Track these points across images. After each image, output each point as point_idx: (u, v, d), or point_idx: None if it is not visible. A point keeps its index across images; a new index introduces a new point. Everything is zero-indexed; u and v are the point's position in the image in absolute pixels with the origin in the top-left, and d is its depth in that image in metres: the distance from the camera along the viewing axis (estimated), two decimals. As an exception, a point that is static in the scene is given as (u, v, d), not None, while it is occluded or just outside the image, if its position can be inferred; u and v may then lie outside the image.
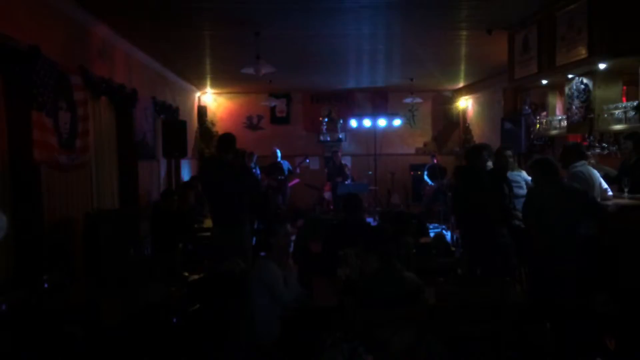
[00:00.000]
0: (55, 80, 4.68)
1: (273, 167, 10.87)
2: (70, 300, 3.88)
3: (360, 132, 12.58)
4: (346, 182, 10.71)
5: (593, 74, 5.54)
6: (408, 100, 11.35)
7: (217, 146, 5.62)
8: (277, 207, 8.14)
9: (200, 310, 4.25)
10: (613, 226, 4.69)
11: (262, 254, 4.80)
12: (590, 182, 4.78)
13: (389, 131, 12.52)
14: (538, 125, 7.37)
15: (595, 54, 5.01)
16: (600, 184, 4.88)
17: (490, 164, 5.40)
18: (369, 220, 8.53)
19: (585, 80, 5.68)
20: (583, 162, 4.92)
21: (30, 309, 3.50)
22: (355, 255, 3.97)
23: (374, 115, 12.29)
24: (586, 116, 5.68)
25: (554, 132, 6.90)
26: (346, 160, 12.01)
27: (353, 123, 12.40)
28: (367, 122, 12.24)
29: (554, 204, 4.34)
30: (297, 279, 4.39)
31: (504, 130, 8.85)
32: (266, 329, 4.01)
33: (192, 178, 9.14)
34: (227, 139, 5.44)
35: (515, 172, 5.89)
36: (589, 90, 5.64)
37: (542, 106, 7.86)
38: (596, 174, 4.89)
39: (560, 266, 4.24)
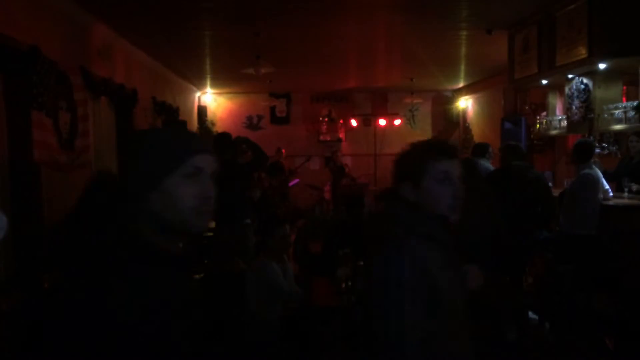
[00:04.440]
0: (55, 80, 4.68)
1: (274, 167, 10.84)
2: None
3: (360, 132, 12.60)
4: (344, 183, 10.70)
5: (593, 74, 5.53)
6: (408, 100, 11.35)
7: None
8: (276, 207, 8.10)
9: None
10: (613, 226, 4.70)
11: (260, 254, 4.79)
12: (597, 184, 4.79)
13: (389, 131, 12.53)
14: (538, 125, 7.38)
15: (595, 54, 5.01)
16: (603, 184, 4.90)
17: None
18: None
19: (585, 80, 5.68)
20: (591, 162, 4.93)
21: (30, 309, 3.49)
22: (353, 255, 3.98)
23: (374, 115, 12.27)
24: (586, 116, 5.67)
25: (554, 132, 6.90)
26: (346, 160, 12.00)
27: (353, 123, 12.40)
28: (367, 122, 12.23)
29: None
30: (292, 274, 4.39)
31: (504, 130, 8.85)
32: (266, 329, 4.01)
33: None
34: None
35: None
36: (589, 90, 5.64)
37: (542, 106, 7.85)
38: (600, 174, 4.91)
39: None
